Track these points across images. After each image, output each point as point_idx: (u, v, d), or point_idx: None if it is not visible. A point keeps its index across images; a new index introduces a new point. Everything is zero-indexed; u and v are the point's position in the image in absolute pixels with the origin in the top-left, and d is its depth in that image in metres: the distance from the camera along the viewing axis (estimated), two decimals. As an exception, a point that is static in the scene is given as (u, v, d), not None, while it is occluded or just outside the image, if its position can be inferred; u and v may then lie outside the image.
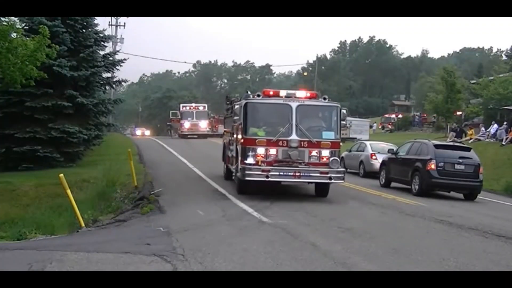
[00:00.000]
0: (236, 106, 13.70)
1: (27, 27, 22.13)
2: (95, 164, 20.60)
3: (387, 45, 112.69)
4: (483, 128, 33.13)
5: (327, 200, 13.71)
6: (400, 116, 65.18)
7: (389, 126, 59.13)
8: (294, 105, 12.95)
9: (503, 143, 27.62)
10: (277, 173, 12.64)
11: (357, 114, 73.01)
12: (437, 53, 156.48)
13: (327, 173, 12.81)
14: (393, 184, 18.32)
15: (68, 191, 11.16)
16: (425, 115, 57.25)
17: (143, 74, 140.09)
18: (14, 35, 17.28)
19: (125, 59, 29.92)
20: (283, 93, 13.54)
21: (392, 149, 19.88)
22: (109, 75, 28.76)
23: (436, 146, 16.82)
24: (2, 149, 22.37)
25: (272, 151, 12.78)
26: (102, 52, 27.32)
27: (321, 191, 13.98)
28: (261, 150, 12.77)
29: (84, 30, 25.22)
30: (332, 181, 13.02)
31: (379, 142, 25.17)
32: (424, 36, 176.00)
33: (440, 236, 9.76)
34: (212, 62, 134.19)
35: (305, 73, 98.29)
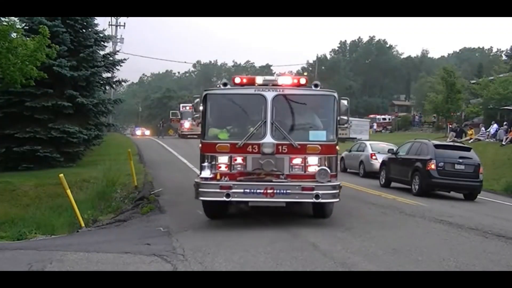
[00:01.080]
0: (197, 100, 10.61)
1: (27, 27, 22.14)
2: (95, 164, 20.60)
3: (387, 45, 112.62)
4: (483, 128, 33.16)
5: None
6: (386, 117, 64.35)
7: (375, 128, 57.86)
8: (269, 95, 9.76)
9: (503, 143, 27.64)
10: (241, 191, 9.27)
11: (357, 114, 73.00)
12: (437, 53, 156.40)
13: (312, 189, 9.31)
14: (393, 184, 18.32)
15: (68, 191, 11.18)
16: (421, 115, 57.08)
17: (143, 74, 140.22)
18: (14, 35, 17.28)
19: (125, 59, 29.97)
20: (259, 80, 10.20)
21: (392, 149, 19.88)
22: (109, 75, 28.82)
23: (436, 146, 16.82)
24: (2, 149, 22.38)
25: (238, 159, 9.68)
26: (102, 52, 27.34)
27: (318, 210, 10.64)
28: (223, 159, 9.70)
29: (84, 30, 25.22)
30: (320, 200, 9.39)
31: (379, 142, 25.19)
32: (424, 36, 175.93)
33: (440, 236, 9.75)
34: (212, 62, 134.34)
35: (305, 73, 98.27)
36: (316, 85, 10.17)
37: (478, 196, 16.70)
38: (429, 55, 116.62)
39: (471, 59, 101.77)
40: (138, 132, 67.55)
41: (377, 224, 10.69)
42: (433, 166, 16.04)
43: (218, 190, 9.33)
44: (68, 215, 12.91)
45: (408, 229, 10.48)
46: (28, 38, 17.52)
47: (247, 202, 9.66)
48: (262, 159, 9.57)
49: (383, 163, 19.28)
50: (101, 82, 27.23)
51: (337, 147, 10.21)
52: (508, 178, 20.74)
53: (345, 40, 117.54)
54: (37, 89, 21.81)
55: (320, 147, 9.73)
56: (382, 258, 7.66)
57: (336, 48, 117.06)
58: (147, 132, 67.26)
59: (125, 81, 33.50)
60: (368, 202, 14.18)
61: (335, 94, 10.15)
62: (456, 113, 44.57)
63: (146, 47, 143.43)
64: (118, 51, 45.30)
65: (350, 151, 24.73)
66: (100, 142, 27.51)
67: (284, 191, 9.31)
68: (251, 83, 10.18)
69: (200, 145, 10.12)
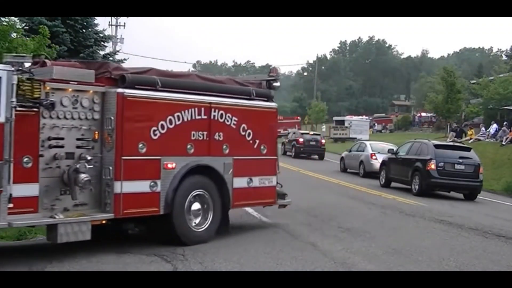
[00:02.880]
0: None
1: (27, 27, 22.10)
2: (95, 164, 20.56)
3: (387, 45, 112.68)
4: (483, 128, 33.14)
5: (327, 200, 13.70)
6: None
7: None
8: None
9: (503, 143, 27.62)
10: None
11: (357, 114, 72.92)
12: (437, 53, 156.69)
13: None
14: (393, 184, 18.31)
15: (68, 191, 11.12)
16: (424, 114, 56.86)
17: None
18: (14, 35, 17.25)
19: (125, 59, 29.82)
20: None
21: (392, 149, 19.88)
22: (109, 75, 28.76)
23: (436, 146, 16.83)
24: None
25: None
26: (102, 52, 27.27)
27: None
28: None
29: (84, 30, 25.16)
30: None
31: (379, 142, 25.19)
32: (424, 36, 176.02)
33: (440, 236, 9.76)
34: (212, 62, 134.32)
35: (305, 73, 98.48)
36: None
37: (478, 196, 16.70)
38: (429, 55, 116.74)
39: (471, 59, 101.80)
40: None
41: (377, 224, 10.69)
42: (433, 166, 16.04)
43: None
44: (68, 215, 12.89)
45: (408, 229, 10.49)
46: (28, 38, 17.49)
47: None
48: None
49: (383, 163, 19.27)
50: (101, 82, 27.20)
51: None
52: (508, 178, 20.72)
53: (345, 40, 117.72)
54: (37, 89, 21.83)
55: None
56: (382, 258, 7.67)
57: (336, 48, 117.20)
58: None
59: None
60: (368, 202, 14.19)
61: None
62: (456, 113, 44.52)
63: (146, 47, 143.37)
64: (118, 51, 45.19)
65: (350, 151, 24.72)
66: (100, 142, 27.43)
67: None
68: None
69: None
